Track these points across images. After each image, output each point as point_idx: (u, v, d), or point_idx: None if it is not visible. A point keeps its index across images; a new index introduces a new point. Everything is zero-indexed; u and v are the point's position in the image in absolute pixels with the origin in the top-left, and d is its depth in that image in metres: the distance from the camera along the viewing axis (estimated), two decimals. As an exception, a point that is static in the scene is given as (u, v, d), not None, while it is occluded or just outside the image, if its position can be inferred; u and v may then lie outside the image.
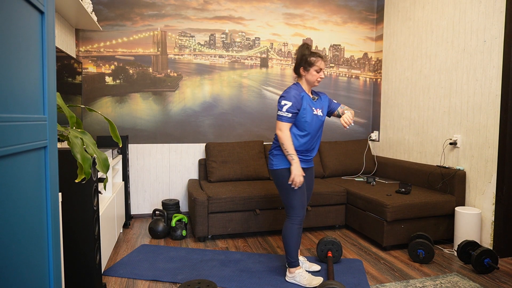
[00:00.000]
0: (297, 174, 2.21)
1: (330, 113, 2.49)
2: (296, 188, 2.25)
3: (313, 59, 2.30)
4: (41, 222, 0.97)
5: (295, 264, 2.35)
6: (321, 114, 2.37)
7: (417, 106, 3.71)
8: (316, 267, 2.56)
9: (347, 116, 2.31)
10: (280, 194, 2.37)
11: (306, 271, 2.49)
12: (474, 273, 2.53)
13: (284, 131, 2.25)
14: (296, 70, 2.38)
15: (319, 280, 2.34)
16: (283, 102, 2.25)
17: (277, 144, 2.33)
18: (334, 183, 3.68)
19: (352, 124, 2.35)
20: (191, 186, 3.51)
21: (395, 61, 4.04)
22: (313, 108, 2.32)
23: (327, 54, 4.30)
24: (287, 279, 2.39)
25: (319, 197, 3.37)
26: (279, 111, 2.27)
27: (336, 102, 2.51)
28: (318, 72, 2.31)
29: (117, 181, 3.24)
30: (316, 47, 4.26)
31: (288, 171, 2.27)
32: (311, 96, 2.37)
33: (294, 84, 2.38)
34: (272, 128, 4.14)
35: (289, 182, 2.25)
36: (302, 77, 2.36)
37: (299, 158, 2.30)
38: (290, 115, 2.25)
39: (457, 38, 3.20)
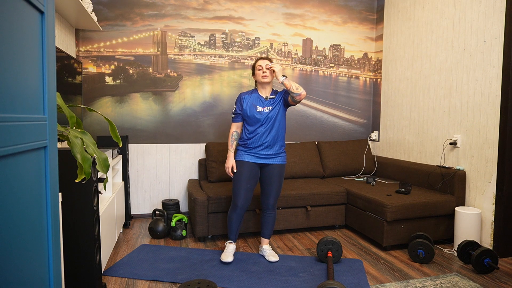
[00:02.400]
0: (226, 166, 2.74)
1: (288, 103, 2.70)
2: (231, 176, 2.72)
3: (256, 62, 2.70)
4: (41, 222, 0.97)
5: (229, 238, 2.81)
6: (268, 111, 2.66)
7: (417, 106, 3.71)
8: (274, 258, 2.73)
9: (277, 68, 2.58)
10: None
11: (266, 260, 2.75)
12: (474, 273, 2.53)
13: (230, 129, 2.80)
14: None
15: (227, 259, 2.67)
16: (233, 106, 2.80)
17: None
18: (334, 183, 3.68)
19: (270, 65, 2.63)
20: (191, 186, 3.51)
21: (395, 61, 4.04)
22: (257, 107, 2.67)
23: (327, 54, 4.30)
24: None
25: (319, 197, 3.37)
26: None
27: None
28: (259, 70, 2.67)
29: (117, 181, 3.24)
30: (316, 47, 4.26)
31: (237, 162, 2.72)
32: (266, 96, 2.70)
33: (253, 89, 2.81)
34: (272, 128, 4.14)
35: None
36: (256, 81, 2.76)
37: (251, 153, 2.69)
38: (234, 116, 2.76)
39: (457, 38, 3.20)
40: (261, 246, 2.85)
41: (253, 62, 4.07)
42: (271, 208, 2.79)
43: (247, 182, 2.67)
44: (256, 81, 2.76)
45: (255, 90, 2.77)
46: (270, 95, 2.71)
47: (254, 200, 3.20)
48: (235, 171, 2.69)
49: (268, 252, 2.78)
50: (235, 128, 2.77)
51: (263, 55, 2.81)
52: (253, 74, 2.74)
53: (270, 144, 2.68)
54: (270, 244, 3.08)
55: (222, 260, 2.68)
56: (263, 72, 2.64)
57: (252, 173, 2.68)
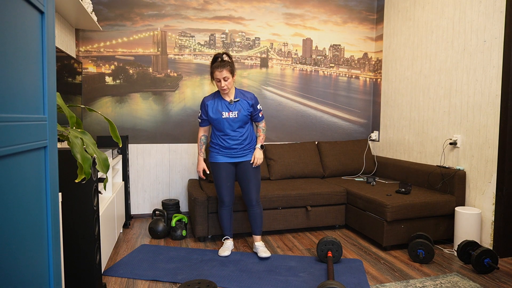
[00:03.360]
0: (197, 170, 2.94)
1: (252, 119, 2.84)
2: (203, 178, 3.00)
3: (213, 70, 2.63)
4: (41, 222, 0.97)
5: (224, 235, 2.93)
6: (234, 116, 2.70)
7: (417, 106, 3.71)
8: (265, 254, 2.76)
9: (257, 156, 2.75)
10: None
11: (258, 257, 2.79)
12: (474, 273, 2.53)
13: (198, 134, 2.88)
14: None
15: (224, 253, 2.78)
16: (199, 111, 2.88)
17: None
18: (334, 183, 3.68)
19: (258, 163, 2.78)
20: (191, 186, 3.51)
21: (395, 61, 4.04)
22: (222, 112, 2.70)
23: (327, 54, 4.30)
24: None
25: (319, 197, 3.37)
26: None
27: (261, 115, 2.83)
28: (218, 82, 2.64)
29: (117, 181, 3.24)
30: (316, 47, 4.26)
31: (212, 164, 2.81)
32: (230, 99, 2.71)
33: (215, 91, 2.80)
34: (271, 128, 4.14)
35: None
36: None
37: (224, 152, 2.76)
38: (200, 120, 2.82)
39: (457, 38, 3.20)
40: (254, 244, 2.88)
41: (253, 62, 4.08)
42: (255, 204, 2.82)
43: (226, 181, 2.78)
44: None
45: (218, 93, 2.76)
46: (234, 98, 2.72)
47: (254, 200, 3.20)
48: (207, 172, 2.86)
49: (260, 248, 2.81)
50: (203, 132, 2.85)
51: (223, 56, 2.68)
52: (211, 78, 2.70)
53: (240, 143, 2.75)
54: (266, 241, 3.09)
55: (219, 254, 2.79)
56: (222, 86, 2.63)
57: (228, 172, 2.79)
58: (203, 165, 2.83)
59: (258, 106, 2.79)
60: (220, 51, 3.98)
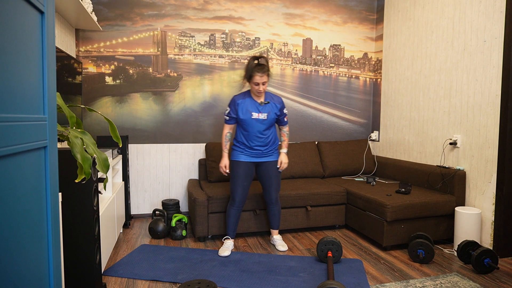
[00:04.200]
0: (219, 165, 2.86)
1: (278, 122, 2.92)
2: (225, 175, 2.87)
3: (253, 73, 2.65)
4: (41, 222, 0.97)
5: (227, 235, 2.95)
6: (264, 118, 2.77)
7: (417, 106, 3.71)
8: (282, 248, 2.93)
9: (284, 160, 2.86)
10: None
11: (276, 249, 2.96)
12: (474, 273, 2.53)
13: (223, 131, 2.87)
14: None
15: (224, 253, 2.79)
16: (227, 108, 2.84)
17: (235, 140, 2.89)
18: (334, 183, 3.68)
19: (284, 168, 2.90)
20: (191, 186, 3.51)
21: (395, 61, 4.04)
22: (252, 113, 2.75)
23: (327, 54, 4.30)
24: None
25: (319, 197, 3.37)
26: (224, 115, 2.87)
27: (286, 120, 2.92)
28: (256, 85, 2.69)
29: (117, 181, 3.24)
30: (316, 47, 4.26)
31: (233, 162, 2.84)
32: (260, 101, 2.78)
33: (247, 90, 2.85)
34: (272, 128, 4.14)
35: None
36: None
37: (247, 152, 2.81)
38: (228, 118, 2.82)
39: (457, 38, 3.20)
40: (272, 237, 3.08)
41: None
42: (274, 202, 2.97)
43: (243, 181, 2.82)
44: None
45: (248, 93, 2.82)
46: (264, 100, 2.80)
47: (253, 201, 3.20)
48: (227, 170, 2.86)
49: (278, 242, 2.99)
50: (228, 129, 2.86)
51: (261, 60, 2.69)
52: (247, 78, 2.71)
53: (265, 144, 2.82)
54: (265, 241, 3.11)
55: (219, 254, 2.80)
56: (260, 89, 2.69)
57: (248, 172, 2.83)
58: (226, 161, 2.85)
59: (285, 110, 2.89)
60: (221, 51, 3.98)
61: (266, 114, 2.78)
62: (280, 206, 3.12)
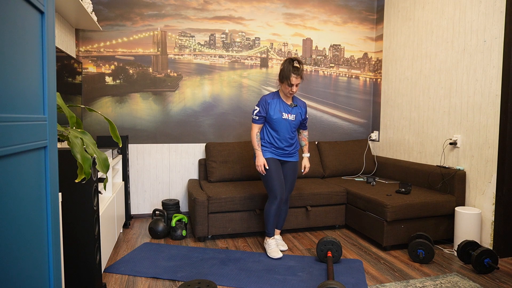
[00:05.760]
0: (257, 164, 2.79)
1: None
2: (263, 174, 2.79)
3: (290, 74, 2.68)
4: (41, 222, 0.97)
5: (269, 235, 2.89)
6: (292, 119, 2.82)
7: (417, 106, 3.71)
8: (283, 247, 2.96)
9: (307, 164, 2.94)
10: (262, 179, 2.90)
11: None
12: (474, 273, 2.53)
13: (253, 130, 2.84)
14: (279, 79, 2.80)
15: (278, 254, 2.78)
16: (255, 107, 2.83)
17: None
18: (334, 183, 3.68)
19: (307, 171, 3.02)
20: (191, 186, 3.51)
21: (395, 61, 4.04)
22: (283, 113, 2.79)
23: (327, 54, 4.30)
24: (264, 244, 2.95)
25: (319, 197, 3.37)
26: (252, 115, 2.85)
27: (306, 124, 2.99)
28: (289, 86, 2.72)
29: (117, 181, 3.24)
30: (316, 47, 4.26)
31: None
32: (290, 102, 2.83)
33: (276, 91, 2.89)
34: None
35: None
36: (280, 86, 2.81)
37: (274, 151, 2.84)
38: (257, 117, 2.80)
39: (457, 38, 3.20)
40: (273, 236, 3.04)
41: (253, 62, 4.08)
42: (285, 202, 2.97)
43: (279, 174, 2.83)
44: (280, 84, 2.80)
45: (277, 94, 2.86)
46: (294, 102, 2.87)
47: (254, 201, 3.20)
48: (267, 167, 2.79)
49: (278, 241, 2.99)
50: (258, 129, 2.86)
51: (296, 62, 2.71)
52: (281, 79, 2.74)
53: (291, 145, 2.88)
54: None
55: (273, 257, 2.78)
56: (293, 90, 2.73)
57: (279, 166, 2.87)
58: (263, 160, 2.81)
59: (307, 115, 2.97)
60: (221, 51, 3.98)
61: (294, 115, 2.84)
62: (288, 208, 3.14)
